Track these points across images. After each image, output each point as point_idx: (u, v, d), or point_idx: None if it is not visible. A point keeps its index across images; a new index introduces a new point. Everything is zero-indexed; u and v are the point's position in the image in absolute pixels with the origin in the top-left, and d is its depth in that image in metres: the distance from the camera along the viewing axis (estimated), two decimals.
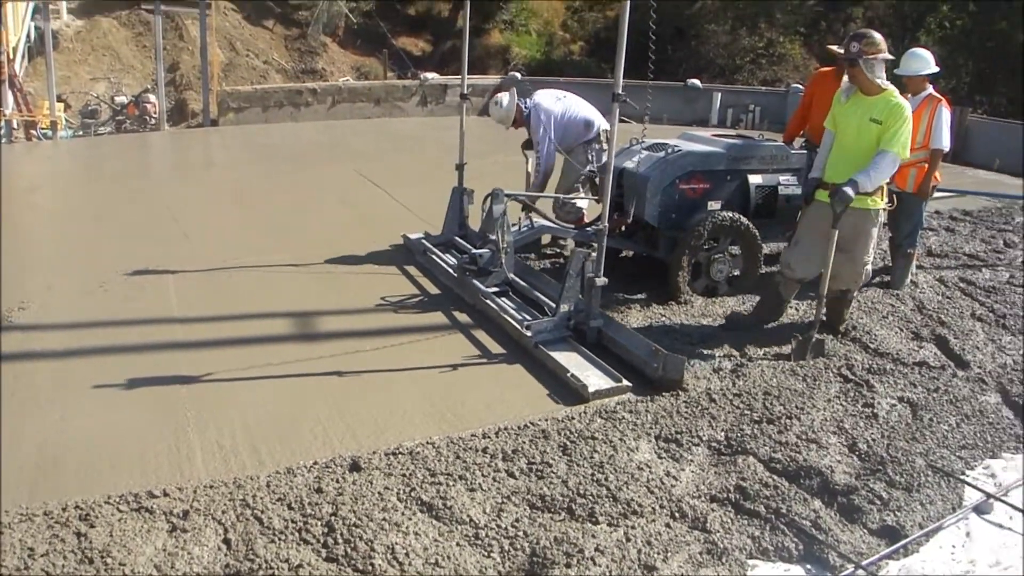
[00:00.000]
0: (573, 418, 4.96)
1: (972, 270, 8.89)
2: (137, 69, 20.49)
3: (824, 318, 6.39)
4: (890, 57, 6.05)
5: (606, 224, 6.01)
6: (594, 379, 5.47)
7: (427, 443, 4.58)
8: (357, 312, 6.73)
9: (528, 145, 8.37)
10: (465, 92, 8.45)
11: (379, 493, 4.06)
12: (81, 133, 17.41)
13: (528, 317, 6.20)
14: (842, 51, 6.21)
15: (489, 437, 4.69)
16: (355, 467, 4.29)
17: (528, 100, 8.16)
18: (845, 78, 6.43)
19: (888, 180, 6.24)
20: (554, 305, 6.24)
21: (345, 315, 6.66)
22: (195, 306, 6.67)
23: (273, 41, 21.71)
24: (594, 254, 6.04)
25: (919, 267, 8.55)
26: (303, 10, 22.88)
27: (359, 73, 21.87)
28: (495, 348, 6.15)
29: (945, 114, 7.71)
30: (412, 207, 9.97)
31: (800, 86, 20.87)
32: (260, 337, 6.17)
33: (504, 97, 8.17)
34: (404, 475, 4.24)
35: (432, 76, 19.01)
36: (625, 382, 5.48)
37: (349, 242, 8.43)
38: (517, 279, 6.88)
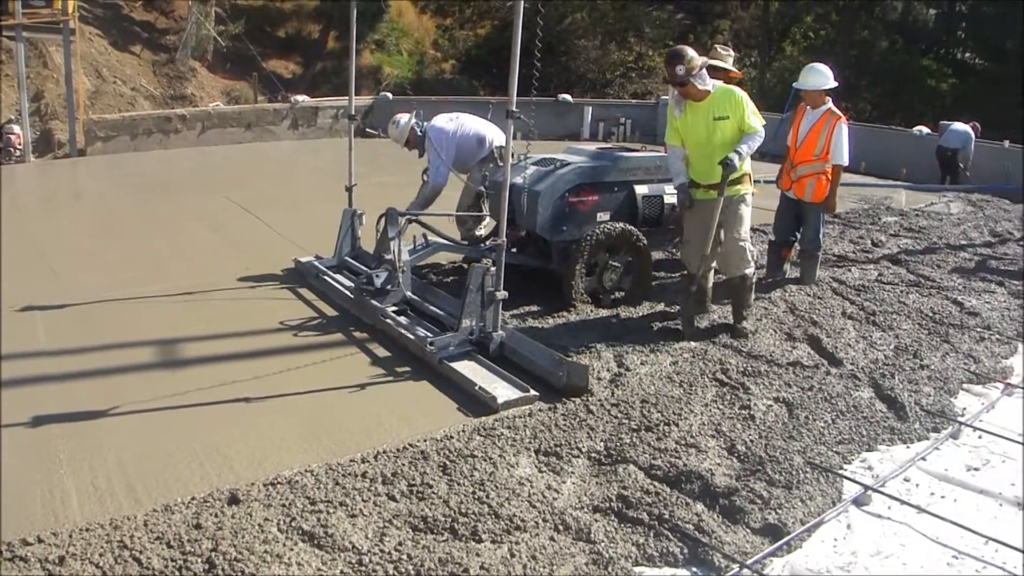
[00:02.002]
0: (452, 437, 4.95)
1: (842, 270, 9.19)
2: None
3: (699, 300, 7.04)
4: (710, 61, 6.80)
5: (504, 239, 6.08)
6: (501, 390, 5.54)
7: (306, 471, 4.50)
8: (234, 339, 6.59)
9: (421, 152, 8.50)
10: (353, 113, 8.44)
11: (259, 525, 3.97)
12: None
13: (429, 334, 6.22)
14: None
15: (368, 461, 4.64)
16: (234, 500, 4.19)
17: (423, 123, 8.34)
18: (672, 94, 6.85)
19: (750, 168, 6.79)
20: (455, 321, 6.27)
21: (220, 343, 6.50)
22: (64, 341, 6.42)
23: (141, 67, 21.16)
24: (493, 269, 6.08)
25: (793, 263, 8.88)
26: (171, 34, 22.39)
27: (229, 98, 21.48)
28: (398, 367, 6.13)
29: (845, 131, 8.12)
30: (285, 232, 9.84)
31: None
32: (134, 369, 5.96)
33: (402, 117, 8.33)
34: (284, 505, 4.16)
35: (303, 99, 18.79)
36: (532, 392, 5.54)
37: (222, 270, 8.28)
38: (415, 297, 6.94)
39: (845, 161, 8.20)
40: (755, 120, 6.55)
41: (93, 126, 16.35)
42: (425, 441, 4.88)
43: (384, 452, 4.73)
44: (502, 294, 6.12)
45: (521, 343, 6.19)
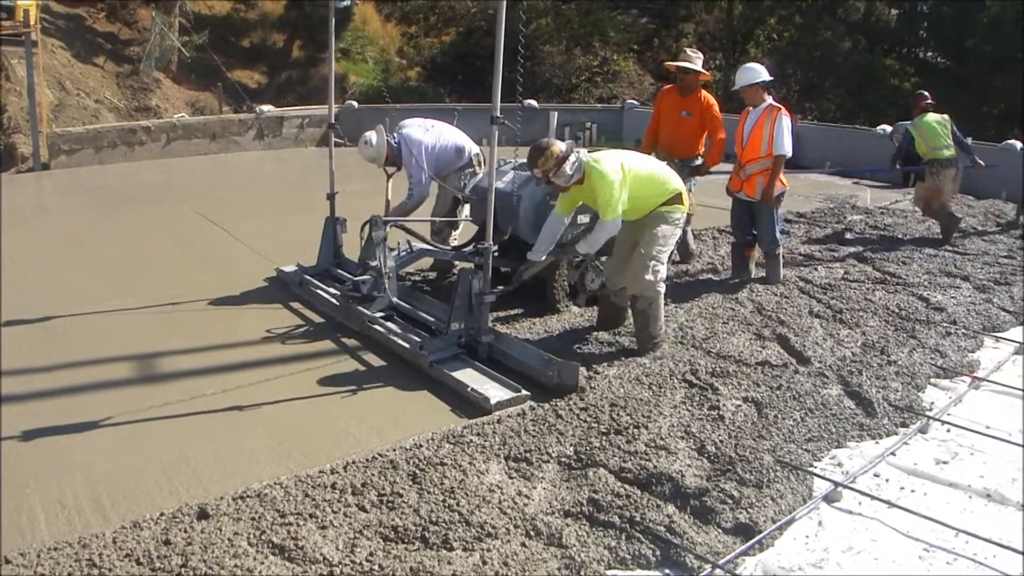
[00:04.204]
0: (421, 446, 4.95)
1: (808, 268, 9.28)
2: None
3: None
4: (571, 158, 6.25)
5: (491, 243, 6.18)
6: (494, 391, 5.65)
7: (275, 483, 4.50)
8: (203, 352, 6.54)
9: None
10: (333, 121, 8.31)
11: (229, 540, 3.97)
12: None
13: (418, 339, 6.31)
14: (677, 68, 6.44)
15: (338, 472, 4.63)
16: (203, 515, 4.17)
17: (395, 133, 8.03)
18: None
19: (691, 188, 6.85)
20: (443, 325, 6.40)
21: (189, 356, 6.45)
22: (30, 357, 6.33)
23: (104, 79, 20.93)
24: (481, 272, 6.17)
25: (758, 264, 8.94)
26: (134, 46, 22.21)
27: (194, 109, 21.29)
28: (382, 373, 6.21)
29: (785, 121, 8.13)
30: (253, 244, 9.73)
31: (635, 102, 21.52)
32: (100, 385, 5.91)
33: (373, 135, 7.90)
34: (253, 519, 4.15)
35: (268, 109, 18.66)
36: (524, 392, 5.65)
37: (189, 283, 8.20)
38: (401, 303, 7.03)
39: (787, 151, 8.26)
40: (607, 211, 6.28)
41: (57, 139, 16.15)
42: (395, 450, 4.89)
43: (354, 462, 4.74)
44: (490, 297, 6.22)
45: (510, 344, 6.33)
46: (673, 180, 6.66)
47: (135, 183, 14.26)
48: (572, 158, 6.23)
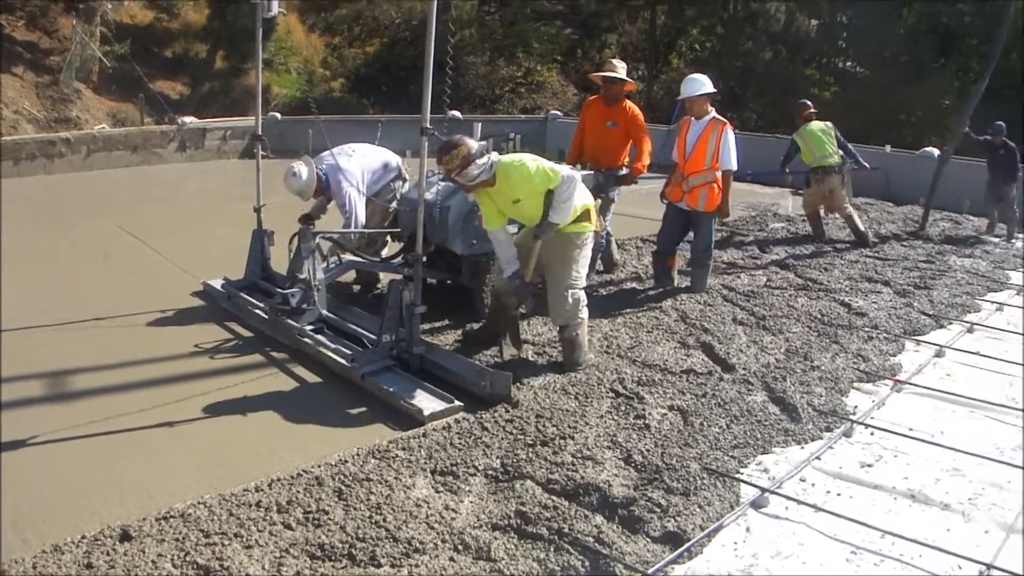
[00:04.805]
0: (346, 461, 4.90)
1: (731, 276, 9.40)
2: None
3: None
4: (480, 160, 6.09)
5: (421, 254, 6.20)
6: (426, 403, 5.66)
7: (199, 503, 4.41)
8: (124, 368, 6.38)
9: (308, 219, 7.61)
10: (259, 132, 8.19)
11: (152, 562, 3.89)
12: None
13: (348, 352, 6.29)
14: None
15: (262, 490, 4.56)
16: (125, 536, 4.08)
17: (321, 163, 7.82)
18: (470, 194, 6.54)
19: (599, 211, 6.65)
20: (372, 337, 6.39)
21: (109, 373, 6.29)
22: None
23: (24, 89, 20.47)
24: (412, 284, 6.17)
25: (680, 272, 9.05)
26: (55, 55, 21.76)
27: (115, 120, 20.90)
28: (318, 385, 6.22)
29: (731, 136, 8.32)
30: (176, 259, 9.49)
31: (559, 112, 21.66)
32: (17, 405, 5.70)
33: (303, 169, 7.62)
34: (177, 539, 4.06)
35: (190, 120, 18.40)
36: (457, 402, 5.66)
37: (111, 300, 7.97)
38: (331, 315, 6.98)
39: (734, 166, 8.41)
40: (552, 177, 6.08)
41: None
42: (320, 466, 4.83)
43: (278, 480, 4.66)
44: (421, 308, 6.20)
45: (441, 356, 6.36)
46: (582, 195, 6.51)
47: (55, 196, 13.92)
48: (481, 160, 6.06)
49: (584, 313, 6.46)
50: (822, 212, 12.00)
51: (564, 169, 6.20)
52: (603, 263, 9.37)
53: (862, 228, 11.68)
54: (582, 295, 6.45)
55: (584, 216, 6.43)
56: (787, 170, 12.49)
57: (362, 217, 7.83)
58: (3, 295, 7.79)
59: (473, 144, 6.14)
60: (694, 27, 29.69)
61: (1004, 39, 12.72)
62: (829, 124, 11.80)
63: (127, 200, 13.61)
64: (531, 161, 6.16)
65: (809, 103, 12.18)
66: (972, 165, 13.62)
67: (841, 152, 11.64)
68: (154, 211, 12.60)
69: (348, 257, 7.46)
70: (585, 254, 6.51)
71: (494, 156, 6.26)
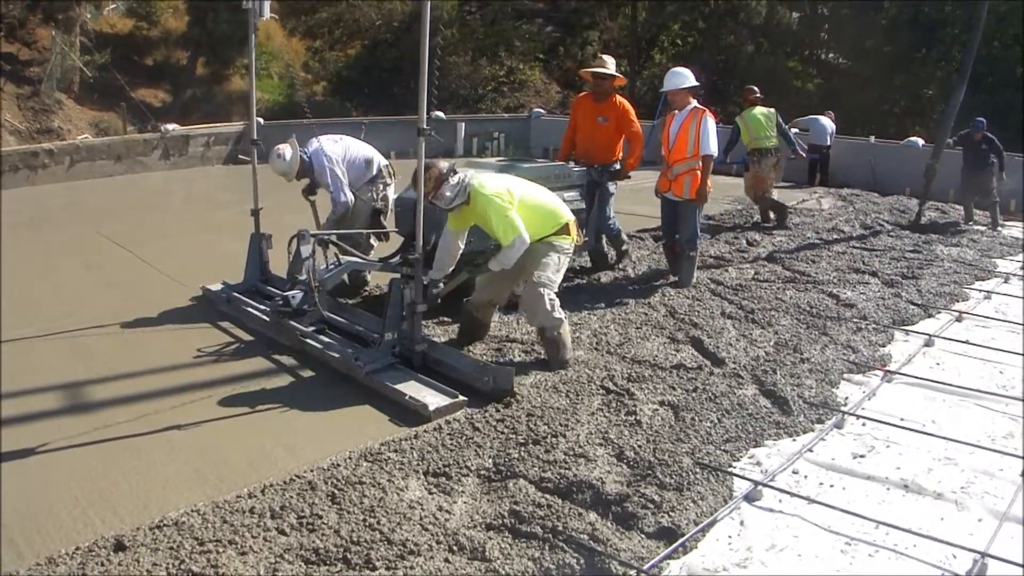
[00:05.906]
0: (339, 465, 4.87)
1: (719, 270, 9.43)
2: None
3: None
4: (451, 180, 6.21)
5: (421, 253, 6.21)
6: (431, 398, 5.68)
7: (192, 511, 4.36)
8: (116, 380, 6.28)
9: (310, 191, 8.40)
10: (255, 137, 8.32)
11: (147, 571, 3.83)
12: None
13: (351, 351, 6.34)
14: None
15: (255, 496, 4.52)
16: (120, 547, 4.02)
17: (307, 148, 8.11)
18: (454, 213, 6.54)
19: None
20: (375, 336, 6.45)
21: (102, 385, 6.20)
22: None
23: (5, 101, 20.39)
24: (412, 282, 6.22)
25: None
26: (35, 66, 21.68)
27: (98, 129, 20.86)
28: (322, 385, 6.20)
29: (710, 123, 8.40)
30: (162, 267, 9.42)
31: (542, 110, 21.70)
32: (10, 415, 5.62)
33: (287, 150, 7.96)
34: (172, 548, 4.01)
35: (173, 128, 18.34)
36: (461, 397, 5.70)
37: (98, 308, 7.88)
38: (332, 316, 7.05)
39: (713, 151, 8.48)
40: (507, 234, 6.17)
41: None
42: (312, 471, 4.80)
43: (271, 485, 4.63)
44: (423, 306, 6.24)
45: (445, 352, 6.40)
46: (562, 211, 6.59)
47: (39, 207, 13.82)
48: (453, 180, 6.18)
49: (561, 314, 6.43)
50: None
51: (521, 235, 6.19)
52: (592, 261, 9.37)
53: (784, 214, 12.32)
54: (556, 300, 6.44)
55: (564, 230, 6.52)
56: (728, 159, 12.64)
57: (349, 195, 8.03)
58: None
59: (443, 164, 6.29)
60: (675, 22, 29.80)
61: (982, 29, 12.77)
62: (772, 110, 12.39)
63: (112, 209, 13.51)
64: (503, 207, 6.22)
65: (755, 88, 12.73)
66: (957, 155, 13.63)
67: (779, 137, 12.30)
68: (140, 219, 12.53)
69: (346, 258, 7.43)
70: (564, 263, 6.58)
71: (468, 173, 6.39)
